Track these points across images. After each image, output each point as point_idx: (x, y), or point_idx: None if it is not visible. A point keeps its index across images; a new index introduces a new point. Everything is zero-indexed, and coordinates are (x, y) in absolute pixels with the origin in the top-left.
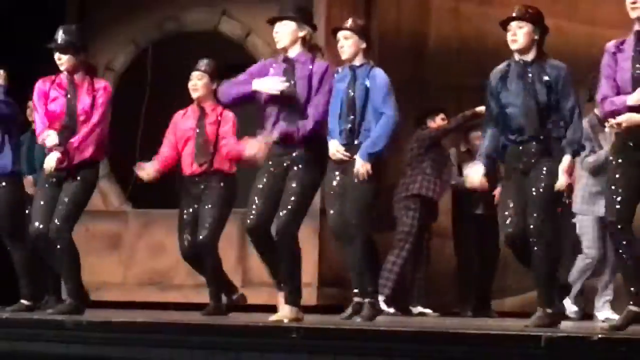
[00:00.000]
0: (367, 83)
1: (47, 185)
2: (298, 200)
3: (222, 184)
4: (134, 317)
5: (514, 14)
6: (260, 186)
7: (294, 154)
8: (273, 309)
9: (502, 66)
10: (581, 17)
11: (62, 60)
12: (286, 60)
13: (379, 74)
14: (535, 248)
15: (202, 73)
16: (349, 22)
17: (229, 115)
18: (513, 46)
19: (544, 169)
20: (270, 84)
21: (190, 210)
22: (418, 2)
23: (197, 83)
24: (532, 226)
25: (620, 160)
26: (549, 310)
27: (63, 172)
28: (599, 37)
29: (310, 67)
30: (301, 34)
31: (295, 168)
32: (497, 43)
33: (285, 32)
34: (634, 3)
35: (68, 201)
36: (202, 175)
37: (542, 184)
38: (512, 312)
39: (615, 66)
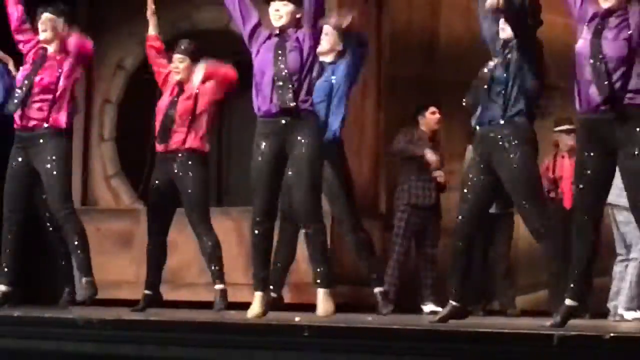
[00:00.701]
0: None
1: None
2: (312, 179)
3: (195, 164)
4: (146, 315)
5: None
6: (262, 172)
7: (292, 127)
8: (285, 307)
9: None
10: None
11: (47, 26)
12: (278, 35)
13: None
14: (545, 248)
15: (182, 56)
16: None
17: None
18: (502, 35)
19: (514, 164)
20: None
21: (161, 183)
22: None
23: (179, 65)
24: (535, 230)
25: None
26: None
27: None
28: None
29: (296, 37)
30: (298, 15)
31: (297, 141)
32: None
33: (286, 11)
34: None
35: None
36: (174, 152)
37: (520, 177)
38: (523, 311)
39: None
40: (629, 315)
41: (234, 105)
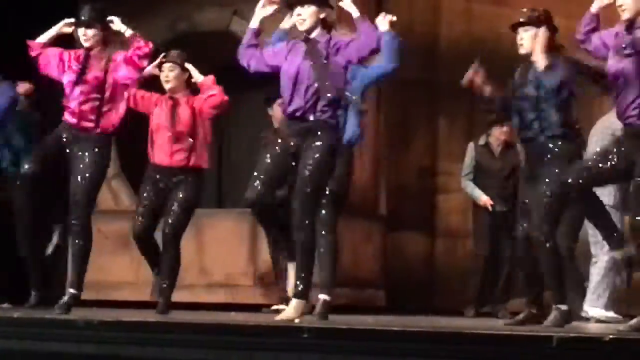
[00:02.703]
0: None
1: None
2: (312, 183)
3: (196, 180)
4: (145, 316)
5: (520, 19)
6: (267, 162)
7: (308, 130)
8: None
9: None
10: None
11: (88, 35)
12: (307, 40)
13: None
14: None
15: (173, 64)
16: None
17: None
18: (521, 50)
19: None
20: None
21: (154, 198)
22: (430, 2)
23: (169, 75)
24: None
25: None
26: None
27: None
28: None
29: (326, 46)
30: (322, 15)
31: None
32: (509, 43)
33: (307, 14)
34: (620, 6)
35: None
36: (178, 169)
37: (549, 187)
38: (513, 312)
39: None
40: (594, 312)
41: (234, 108)
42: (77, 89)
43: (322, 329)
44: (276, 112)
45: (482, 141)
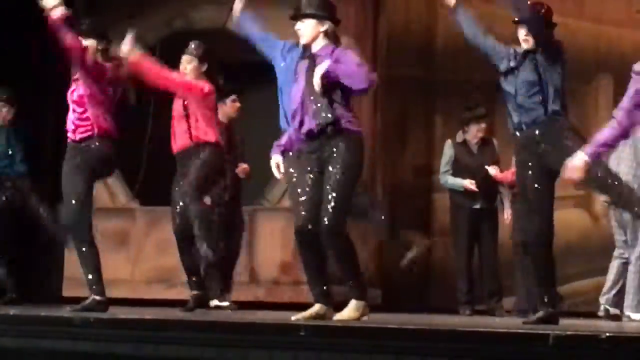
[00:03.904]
0: None
1: None
2: (340, 192)
3: (206, 153)
4: (141, 314)
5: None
6: (303, 185)
7: (326, 146)
8: (280, 306)
9: (511, 51)
10: (588, 15)
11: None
12: (310, 56)
13: None
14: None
15: (191, 56)
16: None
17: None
18: (524, 45)
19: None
20: None
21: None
22: (426, 0)
23: (187, 67)
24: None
25: None
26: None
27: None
28: (605, 35)
29: (328, 60)
30: (322, 28)
31: (332, 159)
32: (505, 41)
33: (306, 28)
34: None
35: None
36: (188, 149)
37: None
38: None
39: None
40: (636, 316)
41: None
42: None
43: (318, 326)
44: (228, 107)
45: (459, 139)
